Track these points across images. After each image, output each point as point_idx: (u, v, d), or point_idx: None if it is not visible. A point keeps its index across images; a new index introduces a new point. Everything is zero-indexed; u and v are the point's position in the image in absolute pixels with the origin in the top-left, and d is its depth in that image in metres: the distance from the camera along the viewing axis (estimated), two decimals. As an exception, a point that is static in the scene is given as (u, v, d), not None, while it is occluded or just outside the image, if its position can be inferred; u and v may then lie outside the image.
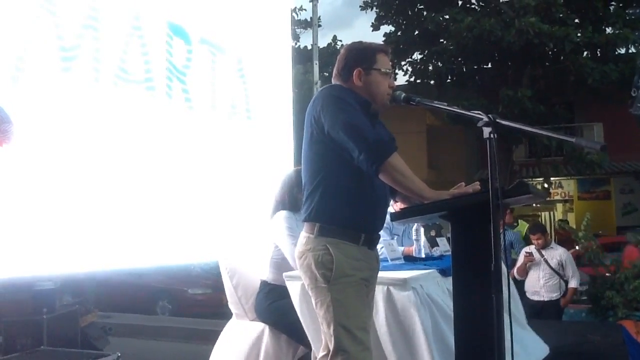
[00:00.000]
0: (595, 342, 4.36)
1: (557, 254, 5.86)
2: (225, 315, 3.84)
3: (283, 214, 3.33)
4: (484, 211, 1.72)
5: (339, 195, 2.13)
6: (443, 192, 1.98)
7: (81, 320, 4.51)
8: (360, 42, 2.36)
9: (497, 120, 1.69)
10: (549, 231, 16.41)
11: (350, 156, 2.06)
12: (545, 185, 16.47)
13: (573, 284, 5.78)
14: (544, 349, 3.60)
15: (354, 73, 2.24)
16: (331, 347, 2.04)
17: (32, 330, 3.74)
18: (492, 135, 1.70)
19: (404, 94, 2.15)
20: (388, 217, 2.32)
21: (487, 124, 1.71)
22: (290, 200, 3.35)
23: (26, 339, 3.70)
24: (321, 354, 2.18)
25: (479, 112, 1.76)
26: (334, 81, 2.33)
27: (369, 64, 2.24)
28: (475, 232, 1.81)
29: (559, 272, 5.77)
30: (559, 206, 18.45)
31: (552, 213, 18.28)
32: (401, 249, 3.85)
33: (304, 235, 2.17)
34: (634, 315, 5.48)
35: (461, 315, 1.86)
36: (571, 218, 17.00)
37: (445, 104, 2.06)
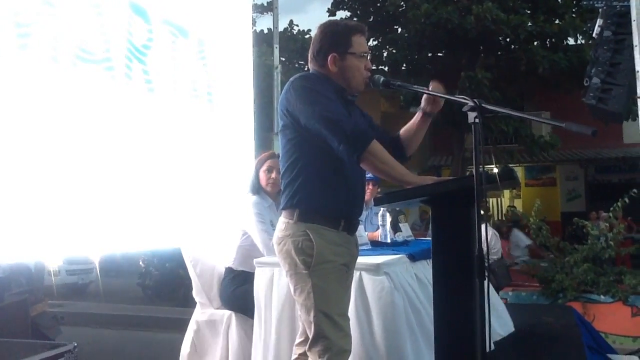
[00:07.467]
0: (549, 323, 4.49)
1: None
2: (181, 302, 3.77)
3: (252, 199, 3.29)
4: (466, 196, 1.72)
5: (318, 183, 2.10)
6: (425, 177, 1.97)
7: (31, 309, 4.38)
8: (334, 24, 2.27)
9: (483, 105, 1.68)
10: (497, 216, 16.91)
11: (329, 146, 2.02)
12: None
13: None
14: (510, 325, 3.71)
15: (329, 59, 2.17)
16: (310, 334, 2.02)
17: (-20, 320, 3.59)
18: (477, 120, 1.69)
19: (382, 78, 2.12)
20: None
21: (472, 109, 1.70)
22: (255, 184, 3.35)
23: (-26, 329, 3.55)
24: (298, 340, 2.15)
25: (464, 97, 1.74)
26: (310, 65, 2.27)
27: (344, 47, 2.17)
28: (456, 217, 1.82)
29: None
30: (506, 192, 18.93)
31: (499, 199, 18.75)
32: (365, 234, 3.86)
33: (282, 221, 2.13)
34: (581, 297, 5.74)
35: (442, 299, 1.86)
36: (518, 204, 17.52)
37: (426, 88, 2.04)
